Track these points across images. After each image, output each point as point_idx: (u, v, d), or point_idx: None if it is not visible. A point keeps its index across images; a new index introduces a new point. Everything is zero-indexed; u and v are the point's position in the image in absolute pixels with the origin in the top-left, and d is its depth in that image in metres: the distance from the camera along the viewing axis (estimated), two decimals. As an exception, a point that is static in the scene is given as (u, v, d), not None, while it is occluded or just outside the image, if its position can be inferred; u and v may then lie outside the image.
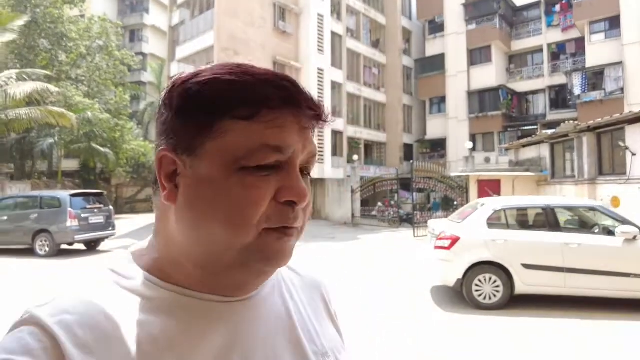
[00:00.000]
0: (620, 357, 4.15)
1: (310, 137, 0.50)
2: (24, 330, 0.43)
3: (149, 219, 22.29)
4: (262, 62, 20.40)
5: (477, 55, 27.21)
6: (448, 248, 5.99)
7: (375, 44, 29.10)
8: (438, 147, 29.44)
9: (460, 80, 27.42)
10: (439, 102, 29.62)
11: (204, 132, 0.46)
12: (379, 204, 20.07)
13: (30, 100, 14.51)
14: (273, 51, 20.78)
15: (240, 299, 0.52)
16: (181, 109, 0.47)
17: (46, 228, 10.67)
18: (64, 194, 11.35)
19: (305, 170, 0.51)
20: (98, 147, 22.85)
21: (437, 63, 29.00)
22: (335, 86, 24.49)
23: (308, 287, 0.64)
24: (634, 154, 9.71)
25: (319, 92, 21.90)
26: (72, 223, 10.63)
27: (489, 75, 26.48)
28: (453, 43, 27.62)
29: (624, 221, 5.83)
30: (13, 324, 0.45)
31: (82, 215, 10.94)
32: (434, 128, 29.48)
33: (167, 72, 25.64)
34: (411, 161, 18.47)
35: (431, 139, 29.92)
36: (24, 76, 14.88)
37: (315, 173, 13.25)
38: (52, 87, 15.12)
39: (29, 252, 10.76)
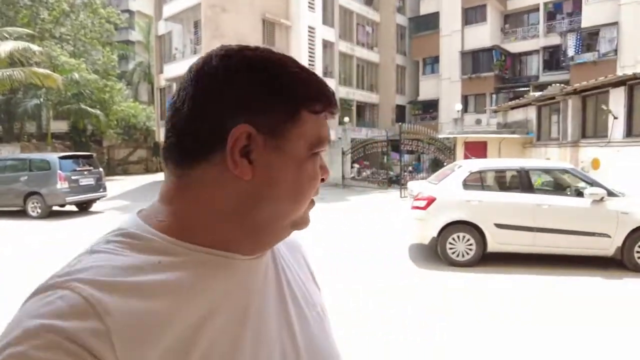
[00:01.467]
0: (579, 307, 4.47)
1: None
2: (57, 292, 0.44)
3: (141, 180, 22.42)
4: (250, 19, 19.91)
5: (472, 14, 26.64)
6: (424, 208, 6.22)
7: (369, 1, 28.29)
8: (430, 108, 29.33)
9: (454, 40, 26.96)
10: (433, 62, 29.24)
11: (290, 118, 0.53)
12: (355, 165, 20.31)
13: (13, 61, 14.23)
14: (262, 8, 20.21)
15: (254, 257, 0.58)
16: (271, 93, 0.52)
17: (37, 190, 10.82)
18: (53, 157, 11.40)
19: None
20: (87, 108, 22.60)
21: (431, 22, 28.41)
22: (327, 45, 24.02)
23: (291, 248, 0.71)
24: (615, 118, 9.85)
25: (309, 52, 21.48)
26: (62, 185, 10.75)
27: (483, 35, 26.05)
28: (448, 1, 26.94)
29: (593, 183, 6.05)
30: (38, 287, 0.45)
31: (72, 177, 11.05)
32: (427, 89, 29.26)
33: (154, 31, 24.95)
34: (400, 123, 18.52)
35: (424, 100, 29.76)
36: (5, 34, 14.52)
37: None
38: (34, 47, 14.79)
39: (22, 213, 10.97)
